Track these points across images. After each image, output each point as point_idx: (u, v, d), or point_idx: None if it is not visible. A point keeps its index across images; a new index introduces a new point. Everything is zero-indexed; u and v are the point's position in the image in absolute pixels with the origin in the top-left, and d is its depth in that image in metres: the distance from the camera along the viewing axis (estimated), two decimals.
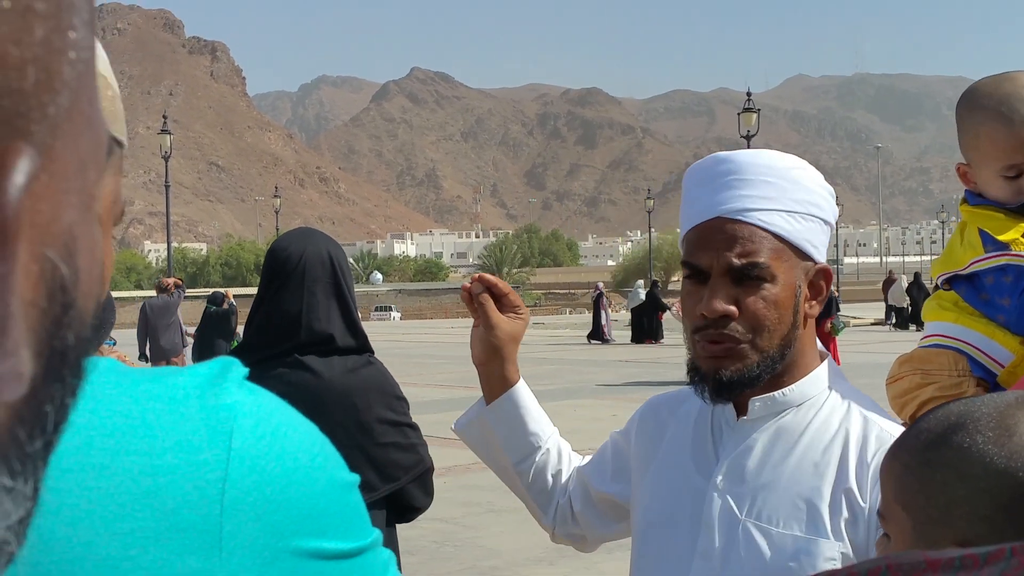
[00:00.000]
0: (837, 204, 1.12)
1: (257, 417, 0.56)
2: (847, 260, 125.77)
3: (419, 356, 21.63)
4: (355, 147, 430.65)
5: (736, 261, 1.21)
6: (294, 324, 2.10)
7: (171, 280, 14.02)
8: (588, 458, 1.51)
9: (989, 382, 1.57)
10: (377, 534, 0.60)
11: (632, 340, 23.48)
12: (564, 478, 1.50)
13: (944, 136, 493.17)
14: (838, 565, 1.15)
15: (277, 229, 58.10)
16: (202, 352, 12.70)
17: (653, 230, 53.98)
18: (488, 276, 1.48)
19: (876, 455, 1.20)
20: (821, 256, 1.28)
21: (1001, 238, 1.57)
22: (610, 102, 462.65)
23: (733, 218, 1.22)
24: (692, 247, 1.25)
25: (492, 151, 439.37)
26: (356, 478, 0.60)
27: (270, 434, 0.56)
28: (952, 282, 1.65)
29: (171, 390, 0.55)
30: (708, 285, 1.22)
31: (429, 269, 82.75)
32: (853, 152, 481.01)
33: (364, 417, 2.06)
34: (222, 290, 14.30)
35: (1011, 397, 0.78)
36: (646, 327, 23.49)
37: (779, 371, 1.25)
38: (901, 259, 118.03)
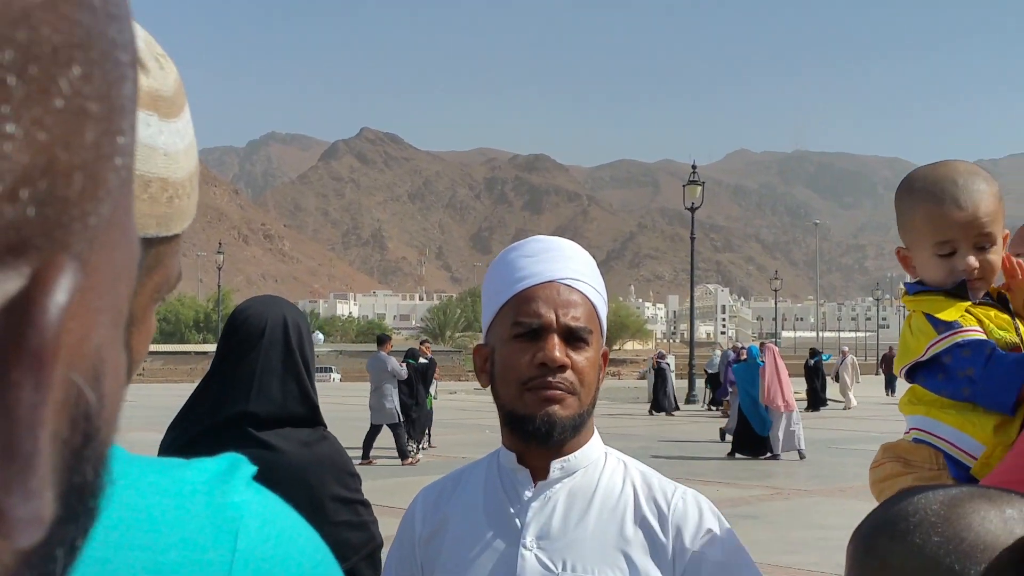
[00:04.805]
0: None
1: (263, 518, 0.55)
2: (785, 334, 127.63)
3: (360, 420, 21.33)
4: (301, 204, 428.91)
5: (572, 322, 1.35)
6: (245, 391, 2.05)
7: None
8: None
9: (962, 479, 1.59)
10: None
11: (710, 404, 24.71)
12: None
13: (879, 215, 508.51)
14: None
15: (219, 286, 57.50)
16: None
17: None
18: None
19: (671, 499, 1.37)
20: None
21: (947, 319, 1.64)
22: (557, 169, 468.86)
23: (568, 283, 1.38)
24: (527, 307, 1.36)
25: (439, 213, 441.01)
26: None
27: (275, 537, 0.55)
28: (912, 374, 1.69)
29: (178, 484, 0.54)
30: (543, 340, 1.34)
31: (372, 331, 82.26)
32: (792, 227, 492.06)
33: (317, 494, 2.00)
34: (418, 347, 15.97)
35: (956, 493, 0.80)
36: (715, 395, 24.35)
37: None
38: (837, 334, 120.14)
